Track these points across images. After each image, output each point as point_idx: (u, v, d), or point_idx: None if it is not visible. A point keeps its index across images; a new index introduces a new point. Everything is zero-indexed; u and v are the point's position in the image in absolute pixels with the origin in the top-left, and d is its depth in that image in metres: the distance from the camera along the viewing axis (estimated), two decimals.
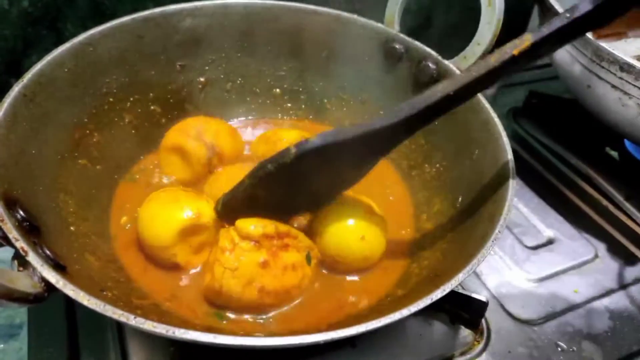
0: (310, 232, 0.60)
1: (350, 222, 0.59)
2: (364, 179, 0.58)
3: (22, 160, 0.53)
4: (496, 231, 0.47)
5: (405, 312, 0.39)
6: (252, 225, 0.54)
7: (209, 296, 0.56)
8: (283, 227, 0.56)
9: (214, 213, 0.59)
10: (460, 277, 0.42)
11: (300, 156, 0.51)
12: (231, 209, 0.58)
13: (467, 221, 0.58)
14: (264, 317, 0.55)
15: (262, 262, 0.54)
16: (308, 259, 0.58)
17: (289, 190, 0.56)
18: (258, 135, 0.77)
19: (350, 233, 0.59)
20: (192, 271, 0.60)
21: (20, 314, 0.73)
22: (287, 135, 0.72)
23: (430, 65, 0.69)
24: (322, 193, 0.59)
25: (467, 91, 0.51)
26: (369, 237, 0.60)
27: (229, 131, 0.74)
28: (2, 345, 0.78)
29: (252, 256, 0.54)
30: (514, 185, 0.53)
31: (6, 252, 0.44)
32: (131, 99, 0.70)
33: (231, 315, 0.55)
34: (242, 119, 0.82)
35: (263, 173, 0.54)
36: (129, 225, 0.63)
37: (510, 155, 0.57)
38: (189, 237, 0.58)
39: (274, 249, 0.55)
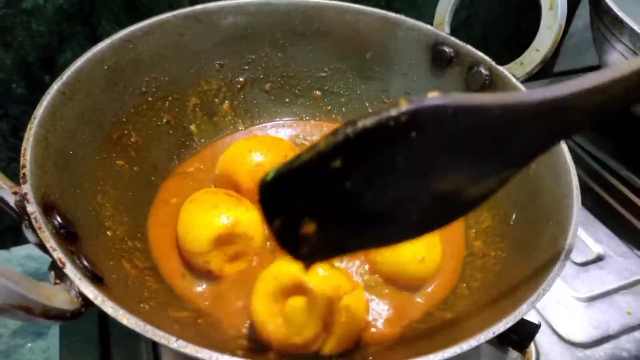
0: None
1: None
2: None
3: (59, 162, 0.51)
4: (562, 257, 0.44)
5: (465, 346, 0.36)
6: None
7: None
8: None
9: (250, 223, 0.57)
10: (524, 308, 0.39)
11: (413, 114, 0.27)
12: (280, 192, 0.30)
13: (523, 242, 0.55)
14: None
15: None
16: None
17: (386, 182, 0.30)
18: None
19: (409, 254, 0.56)
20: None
21: None
22: None
23: (483, 71, 0.66)
24: (432, 206, 0.34)
25: None
26: (428, 258, 0.56)
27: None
28: (30, 344, 0.77)
29: None
30: (578, 205, 0.50)
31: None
32: (170, 98, 0.69)
33: None
34: (279, 120, 0.79)
35: (348, 134, 0.27)
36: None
37: (573, 170, 0.53)
38: (224, 245, 0.56)
39: None
